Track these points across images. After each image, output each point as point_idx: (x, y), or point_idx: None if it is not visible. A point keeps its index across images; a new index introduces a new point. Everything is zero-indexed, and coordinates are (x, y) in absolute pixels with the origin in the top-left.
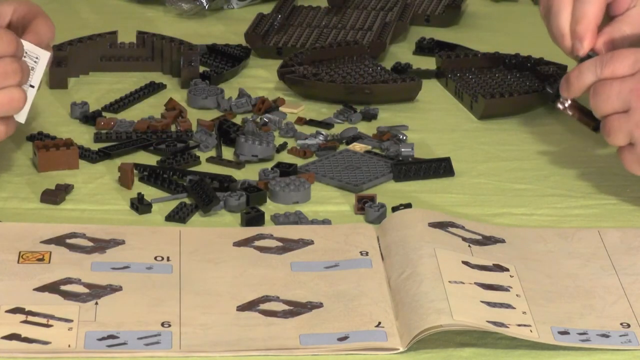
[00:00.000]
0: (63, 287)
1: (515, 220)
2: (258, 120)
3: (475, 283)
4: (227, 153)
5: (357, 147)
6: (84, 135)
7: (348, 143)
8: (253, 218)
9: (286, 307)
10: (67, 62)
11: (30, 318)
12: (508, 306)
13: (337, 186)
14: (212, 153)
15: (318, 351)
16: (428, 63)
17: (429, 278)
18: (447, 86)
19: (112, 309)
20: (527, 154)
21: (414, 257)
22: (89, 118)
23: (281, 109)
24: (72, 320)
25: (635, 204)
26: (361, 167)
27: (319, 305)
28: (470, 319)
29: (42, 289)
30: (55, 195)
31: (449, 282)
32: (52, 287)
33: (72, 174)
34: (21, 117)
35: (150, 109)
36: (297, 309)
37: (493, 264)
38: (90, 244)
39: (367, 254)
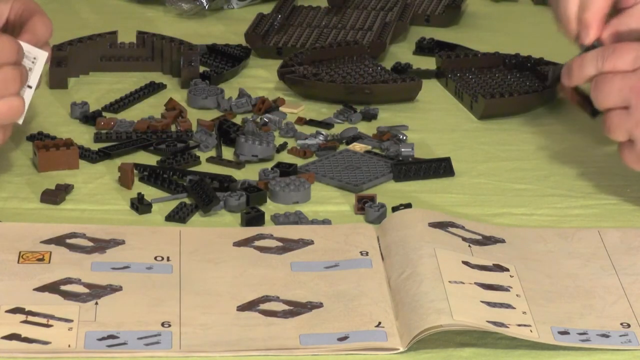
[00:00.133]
0: (63, 287)
1: (515, 220)
2: (258, 120)
3: (475, 283)
4: (227, 153)
5: (357, 147)
6: (84, 135)
7: (348, 143)
8: (253, 218)
9: (286, 307)
10: (67, 62)
11: (30, 318)
12: (508, 306)
13: (337, 186)
14: (212, 153)
15: (318, 351)
16: (428, 63)
17: (429, 278)
18: (447, 86)
19: (112, 309)
20: (527, 154)
21: (414, 257)
22: (89, 118)
23: (281, 109)
24: (72, 320)
25: (635, 204)
26: (361, 167)
27: (319, 305)
28: (470, 319)
29: (42, 289)
30: (55, 195)
31: (449, 282)
32: (52, 287)
33: (72, 174)
34: (19, 118)
35: (150, 109)
36: (297, 309)
37: (493, 264)
38: (90, 244)
39: (367, 254)
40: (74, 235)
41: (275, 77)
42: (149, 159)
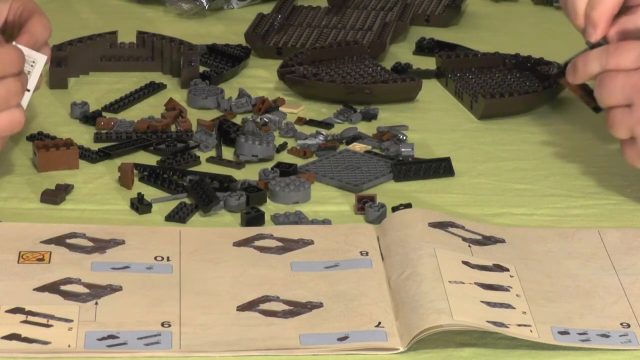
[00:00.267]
0: (63, 287)
1: (515, 220)
2: (258, 120)
3: (475, 283)
4: (227, 153)
5: (357, 147)
6: (84, 135)
7: (348, 143)
8: (253, 218)
9: (286, 307)
10: (67, 62)
11: (30, 318)
12: (508, 306)
13: (337, 186)
14: (212, 153)
15: (318, 351)
16: (428, 63)
17: (429, 278)
18: (447, 86)
19: (112, 309)
20: (527, 154)
21: (414, 257)
22: (89, 118)
23: (281, 109)
24: (72, 320)
25: (635, 204)
26: (361, 167)
27: (319, 305)
28: (470, 319)
29: (42, 289)
30: (55, 195)
31: (449, 282)
32: (52, 287)
33: (72, 174)
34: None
35: (150, 109)
36: (297, 309)
37: (493, 264)
38: (90, 244)
39: (367, 254)
40: (74, 235)
41: (275, 77)
42: (149, 159)
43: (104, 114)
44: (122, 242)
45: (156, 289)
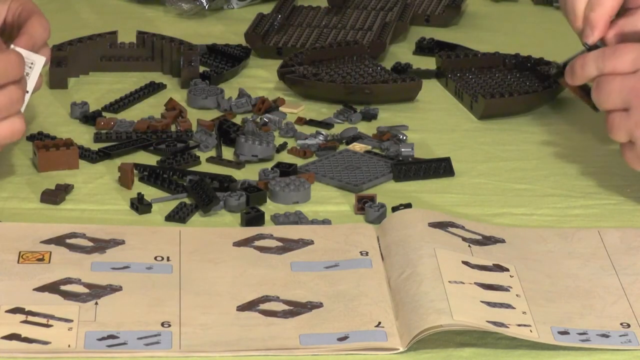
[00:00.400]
0: (63, 287)
1: (515, 220)
2: (258, 120)
3: (475, 283)
4: (227, 153)
5: (357, 147)
6: (84, 135)
7: (348, 143)
8: (253, 218)
9: (286, 307)
10: (67, 62)
11: (30, 318)
12: (508, 306)
13: (337, 186)
14: (212, 153)
15: (318, 351)
16: (428, 63)
17: (429, 278)
18: (447, 86)
19: (112, 309)
20: (527, 154)
21: (414, 257)
22: (89, 118)
23: (281, 109)
24: (72, 320)
25: (635, 204)
26: (361, 167)
27: (319, 305)
28: (470, 319)
29: (42, 289)
30: (55, 195)
31: (449, 282)
32: (52, 287)
33: (72, 174)
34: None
35: (150, 109)
36: (297, 309)
37: (493, 264)
38: (90, 244)
39: (367, 254)
40: (74, 235)
41: (275, 77)
42: (149, 159)
43: (104, 114)
44: (122, 242)
45: (156, 289)
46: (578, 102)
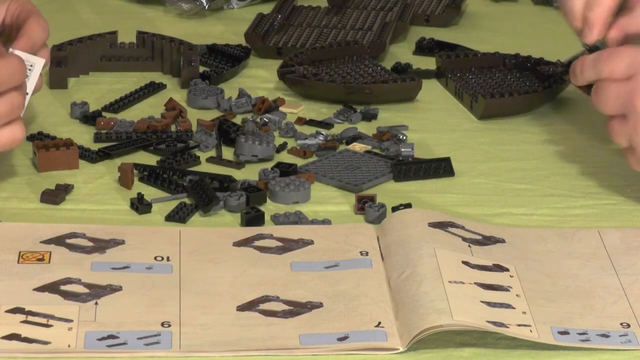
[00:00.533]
0: (63, 287)
1: (515, 220)
2: (258, 120)
3: (475, 283)
4: (227, 153)
5: (357, 147)
6: (84, 135)
7: (348, 143)
8: (253, 218)
9: (286, 307)
10: (67, 62)
11: (30, 318)
12: (508, 306)
13: (337, 186)
14: (212, 153)
15: (318, 351)
16: (428, 63)
17: (429, 278)
18: (447, 86)
19: (112, 309)
20: (527, 154)
21: (414, 257)
22: (89, 118)
23: (281, 109)
24: (72, 320)
25: (635, 204)
26: (361, 167)
27: (319, 305)
28: (470, 319)
29: (42, 289)
30: (55, 195)
31: (449, 282)
32: (52, 287)
33: (72, 174)
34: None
35: (150, 109)
36: (297, 309)
37: (493, 264)
38: (90, 244)
39: (367, 254)
40: (73, 235)
41: (275, 77)
42: (149, 159)
43: (104, 114)
44: (122, 242)
45: (156, 289)
46: (578, 102)
